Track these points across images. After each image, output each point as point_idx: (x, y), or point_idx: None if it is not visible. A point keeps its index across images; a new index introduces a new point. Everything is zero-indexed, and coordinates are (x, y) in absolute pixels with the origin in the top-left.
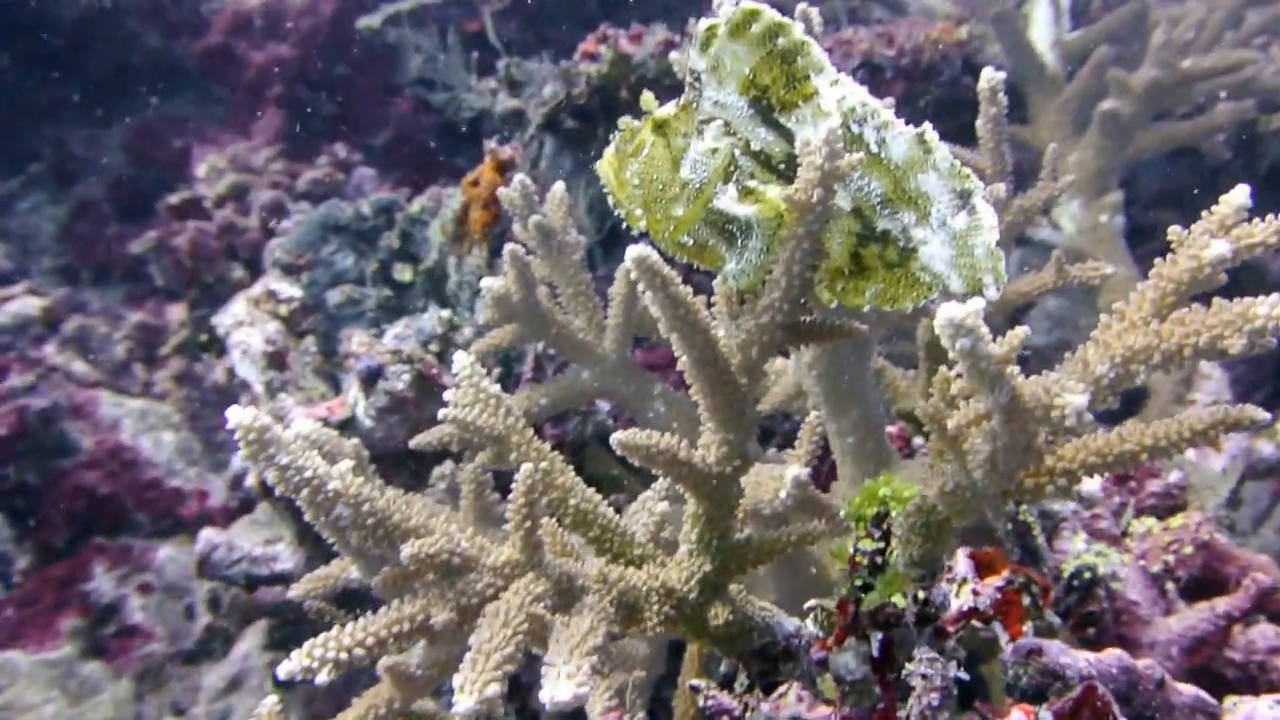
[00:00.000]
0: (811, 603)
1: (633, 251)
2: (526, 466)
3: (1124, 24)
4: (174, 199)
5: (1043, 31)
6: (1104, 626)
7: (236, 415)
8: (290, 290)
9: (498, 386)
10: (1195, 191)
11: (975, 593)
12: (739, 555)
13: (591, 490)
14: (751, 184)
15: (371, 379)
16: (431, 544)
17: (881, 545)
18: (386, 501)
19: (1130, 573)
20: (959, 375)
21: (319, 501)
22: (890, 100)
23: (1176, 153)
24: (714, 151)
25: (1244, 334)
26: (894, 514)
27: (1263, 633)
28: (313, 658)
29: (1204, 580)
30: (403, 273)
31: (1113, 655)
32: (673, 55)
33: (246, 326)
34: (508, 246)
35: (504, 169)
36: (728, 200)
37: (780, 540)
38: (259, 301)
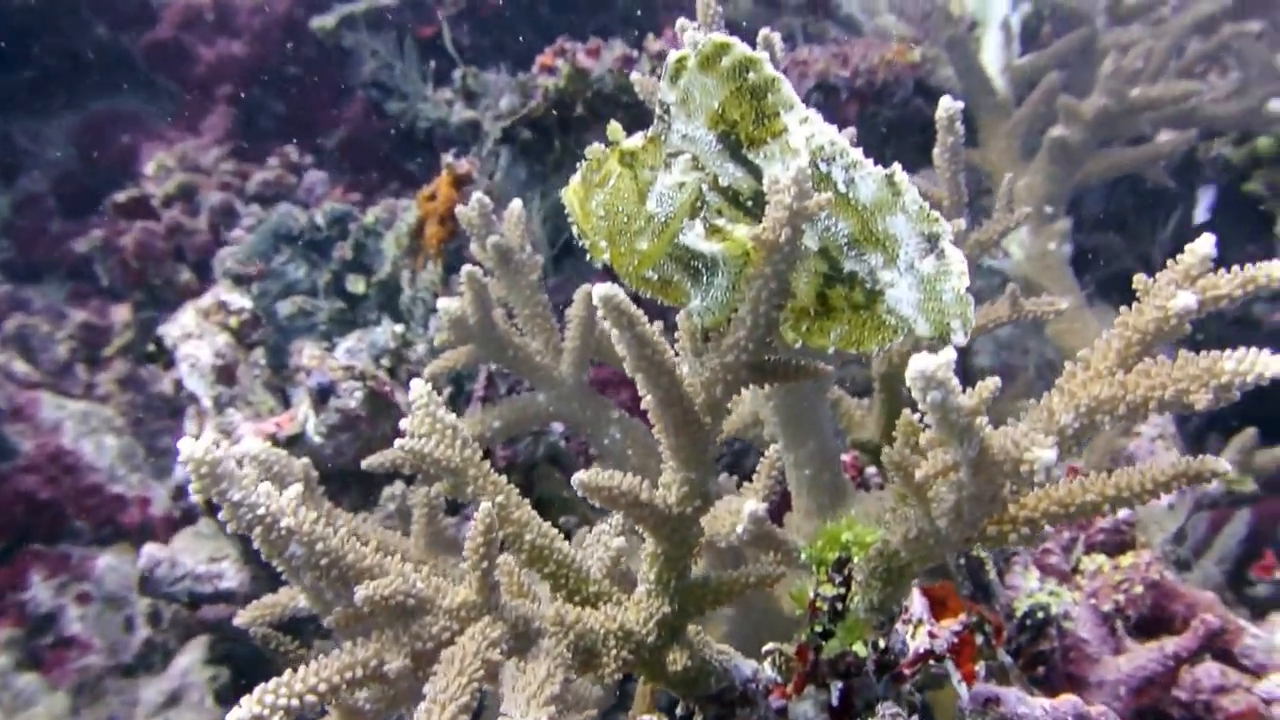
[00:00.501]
0: (769, 647)
1: (600, 290)
2: (485, 505)
3: (1073, 50)
4: (121, 197)
5: (993, 56)
6: (1054, 665)
7: (188, 448)
8: (241, 301)
9: (454, 416)
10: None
11: (932, 635)
12: (697, 596)
13: (548, 525)
14: (719, 222)
15: (323, 396)
16: (386, 586)
17: (842, 591)
18: (340, 540)
19: (1081, 611)
20: (925, 424)
21: (272, 539)
22: (851, 131)
23: (1118, 177)
24: (681, 186)
25: (1210, 389)
26: (855, 559)
27: (1208, 671)
28: (263, 705)
29: (1151, 618)
30: (356, 284)
31: (1068, 702)
32: (634, 76)
33: (195, 339)
34: (465, 268)
35: (460, 184)
36: (694, 236)
37: (739, 581)
38: (208, 313)
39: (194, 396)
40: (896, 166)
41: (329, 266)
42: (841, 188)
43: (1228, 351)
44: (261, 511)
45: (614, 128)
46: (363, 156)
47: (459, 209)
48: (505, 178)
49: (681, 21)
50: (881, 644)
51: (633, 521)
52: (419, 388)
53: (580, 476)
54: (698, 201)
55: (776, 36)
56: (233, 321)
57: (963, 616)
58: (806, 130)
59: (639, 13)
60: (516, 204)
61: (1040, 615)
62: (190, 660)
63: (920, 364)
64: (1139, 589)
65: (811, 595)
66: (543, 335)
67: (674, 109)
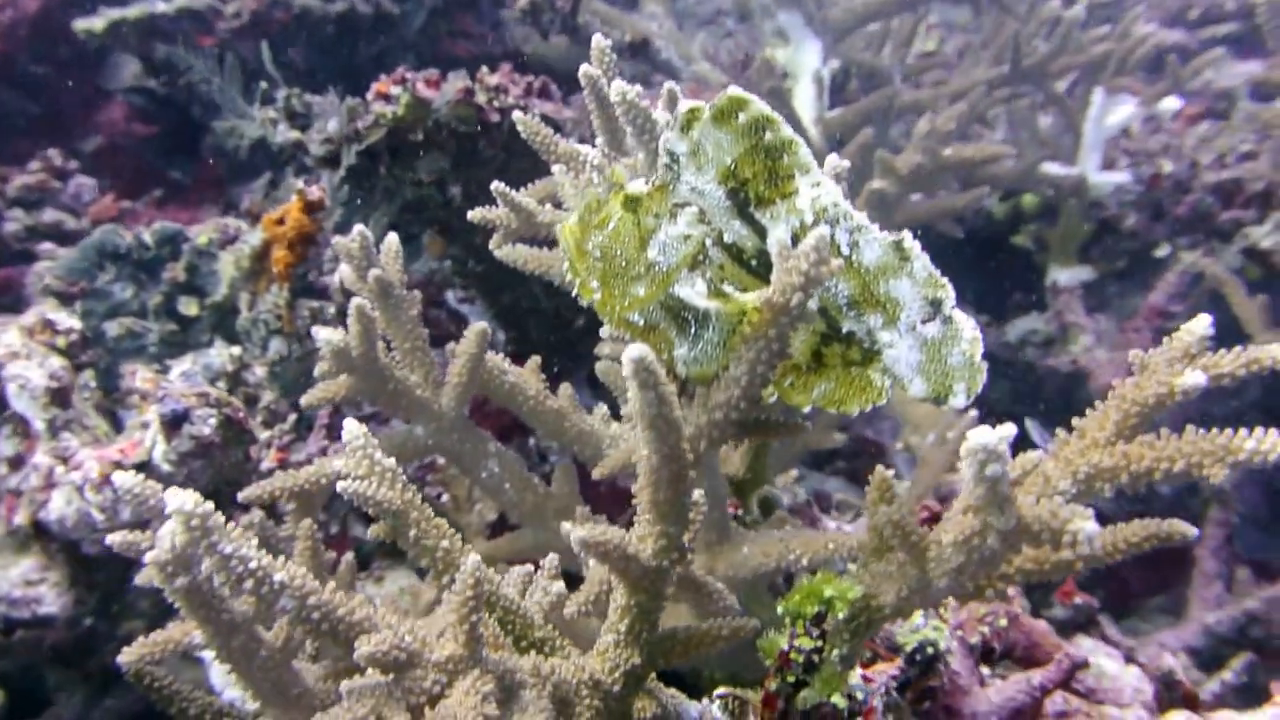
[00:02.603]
0: (722, 691)
1: (632, 350)
2: (473, 558)
3: (878, 107)
4: None
5: (806, 107)
6: (937, 698)
7: (176, 499)
8: (69, 321)
9: (392, 460)
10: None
11: (866, 679)
12: (666, 649)
13: (491, 571)
14: (726, 288)
15: (175, 422)
16: (384, 642)
17: (820, 644)
18: (330, 594)
19: (953, 644)
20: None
21: (263, 594)
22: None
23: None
24: (686, 238)
25: (1226, 465)
26: (839, 614)
27: (1053, 700)
28: None
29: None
30: (188, 306)
31: None
32: (519, 115)
33: (23, 359)
34: (355, 301)
35: (311, 210)
36: (690, 290)
37: (710, 634)
38: (34, 331)
39: (23, 419)
40: (906, 234)
41: (159, 288)
42: (844, 249)
43: (1243, 431)
44: (254, 565)
45: (617, 171)
46: (123, 163)
47: (336, 239)
48: (331, 201)
49: (585, 69)
50: (858, 695)
51: (610, 573)
52: (353, 429)
53: (580, 533)
54: (699, 254)
55: (636, 88)
56: (60, 342)
57: (899, 663)
58: (814, 192)
59: (423, 39)
60: (393, 238)
61: (930, 651)
62: None
63: (981, 437)
64: (1003, 622)
65: (785, 647)
66: (422, 369)
67: (684, 159)
